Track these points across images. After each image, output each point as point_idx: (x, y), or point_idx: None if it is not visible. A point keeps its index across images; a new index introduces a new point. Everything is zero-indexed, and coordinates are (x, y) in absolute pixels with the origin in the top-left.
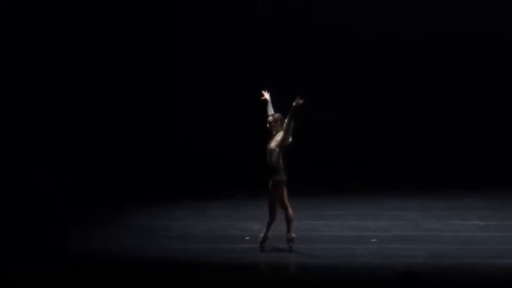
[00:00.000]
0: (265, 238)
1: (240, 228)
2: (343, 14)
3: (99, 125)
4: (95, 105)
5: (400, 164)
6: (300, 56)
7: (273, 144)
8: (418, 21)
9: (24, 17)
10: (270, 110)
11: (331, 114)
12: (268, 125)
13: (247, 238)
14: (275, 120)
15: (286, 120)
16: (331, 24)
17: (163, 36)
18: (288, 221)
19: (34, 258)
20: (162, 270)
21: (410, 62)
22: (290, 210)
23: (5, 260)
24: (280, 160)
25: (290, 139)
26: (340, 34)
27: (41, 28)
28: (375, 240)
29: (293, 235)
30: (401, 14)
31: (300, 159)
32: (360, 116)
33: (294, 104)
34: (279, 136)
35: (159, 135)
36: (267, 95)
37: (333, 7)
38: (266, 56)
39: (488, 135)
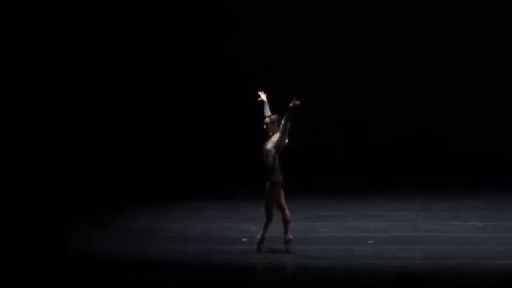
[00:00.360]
0: (262, 239)
1: (238, 230)
2: (343, 14)
3: (99, 125)
4: (95, 105)
5: (400, 164)
6: (300, 56)
7: (269, 145)
8: (418, 21)
9: (24, 17)
10: (267, 111)
11: (331, 114)
12: (264, 126)
13: (245, 239)
14: (272, 122)
15: (282, 121)
16: (331, 24)
17: (163, 36)
18: (285, 222)
19: (34, 258)
20: (160, 271)
21: (410, 62)
22: (287, 211)
23: (5, 260)
24: (277, 161)
25: (286, 140)
26: (340, 34)
27: (41, 28)
28: (372, 241)
29: (290, 236)
30: (401, 14)
31: (300, 160)
32: (360, 116)
33: (290, 104)
34: (275, 137)
35: (159, 135)
36: (263, 96)
37: (333, 7)
38: (266, 56)
39: (488, 135)
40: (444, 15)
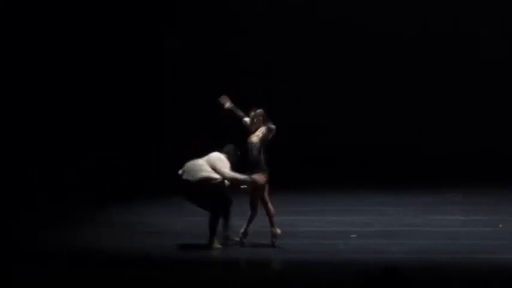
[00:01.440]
0: (245, 233)
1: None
2: (343, 14)
3: (97, 125)
4: (93, 105)
5: (400, 164)
6: (300, 56)
7: (255, 138)
8: (418, 21)
9: (24, 17)
10: (241, 113)
11: (330, 114)
12: (249, 123)
13: (228, 234)
14: (257, 116)
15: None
16: (331, 24)
17: (163, 36)
18: (270, 215)
19: (34, 258)
20: (149, 269)
21: (410, 62)
22: (270, 205)
23: (5, 260)
24: (262, 155)
25: (273, 126)
26: (340, 34)
27: (41, 28)
28: (355, 235)
29: (278, 231)
30: (401, 14)
31: (299, 159)
32: (359, 115)
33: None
34: (261, 131)
35: (158, 135)
36: (227, 103)
37: (333, 7)
38: (266, 56)
39: (488, 135)
40: (444, 15)
